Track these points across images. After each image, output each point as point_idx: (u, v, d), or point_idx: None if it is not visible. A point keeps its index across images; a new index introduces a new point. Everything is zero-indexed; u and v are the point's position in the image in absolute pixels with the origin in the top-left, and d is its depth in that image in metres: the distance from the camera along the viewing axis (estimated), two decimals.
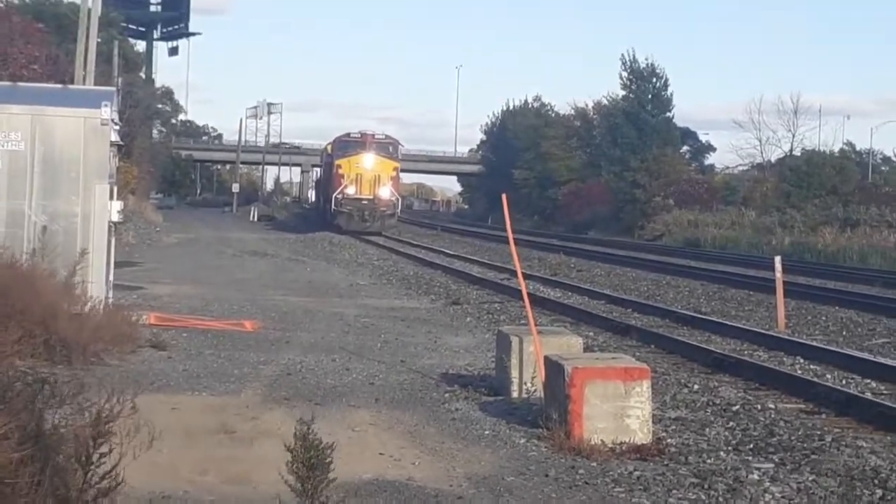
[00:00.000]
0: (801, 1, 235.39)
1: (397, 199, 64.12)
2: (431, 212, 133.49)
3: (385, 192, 61.33)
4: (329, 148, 68.94)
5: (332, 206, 61.50)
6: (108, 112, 17.92)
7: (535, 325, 13.94)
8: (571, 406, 11.21)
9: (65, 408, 8.14)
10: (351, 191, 60.79)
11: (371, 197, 60.82)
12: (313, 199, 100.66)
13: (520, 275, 15.61)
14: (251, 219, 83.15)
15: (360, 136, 63.37)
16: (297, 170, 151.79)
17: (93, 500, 5.76)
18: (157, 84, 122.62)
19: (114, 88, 23.83)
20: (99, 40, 39.76)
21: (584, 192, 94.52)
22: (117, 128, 19.24)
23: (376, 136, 63.63)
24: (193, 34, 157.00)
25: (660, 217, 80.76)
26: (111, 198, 18.28)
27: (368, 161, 61.23)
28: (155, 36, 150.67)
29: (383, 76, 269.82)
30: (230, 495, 8.20)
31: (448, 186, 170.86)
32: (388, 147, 63.41)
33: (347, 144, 63.09)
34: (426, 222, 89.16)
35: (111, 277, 19.14)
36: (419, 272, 35.94)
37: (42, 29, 56.58)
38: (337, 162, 62.06)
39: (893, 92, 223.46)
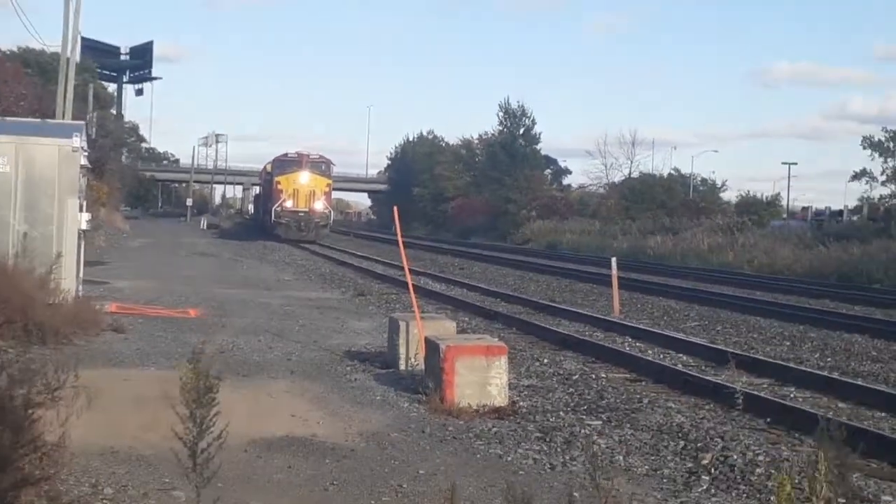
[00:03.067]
0: (637, 54, 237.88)
1: (330, 212, 60.65)
2: (347, 221, 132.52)
3: (319, 205, 57.95)
4: (269, 167, 64.97)
5: (272, 218, 57.89)
6: (77, 141, 17.69)
7: (420, 311, 14.00)
8: (444, 376, 11.26)
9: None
10: (289, 204, 57.46)
11: (307, 209, 57.47)
12: (252, 211, 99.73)
13: (407, 272, 15.66)
14: (202, 227, 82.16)
15: (297, 155, 59.90)
16: (240, 187, 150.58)
17: (44, 452, 5.68)
18: (126, 119, 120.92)
19: (83, 122, 23.44)
20: (76, 83, 39.10)
21: (469, 205, 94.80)
22: (86, 153, 19.00)
23: (311, 156, 59.93)
24: (155, 78, 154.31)
25: (527, 225, 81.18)
26: (81, 210, 18.05)
27: (304, 178, 57.88)
28: (124, 79, 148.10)
29: (311, 113, 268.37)
30: (165, 448, 8.11)
31: (360, 201, 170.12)
32: (321, 165, 59.77)
33: (285, 163, 59.48)
34: (342, 229, 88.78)
35: (81, 274, 18.90)
36: (334, 270, 35.81)
37: (29, 73, 55.74)
38: (276, 178, 58.74)
39: (709, 127, 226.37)
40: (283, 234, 56.54)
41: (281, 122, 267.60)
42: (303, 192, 57.94)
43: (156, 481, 7.68)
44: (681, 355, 16.54)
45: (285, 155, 60.81)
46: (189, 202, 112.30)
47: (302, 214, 57.39)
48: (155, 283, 26.06)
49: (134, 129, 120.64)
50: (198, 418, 4.44)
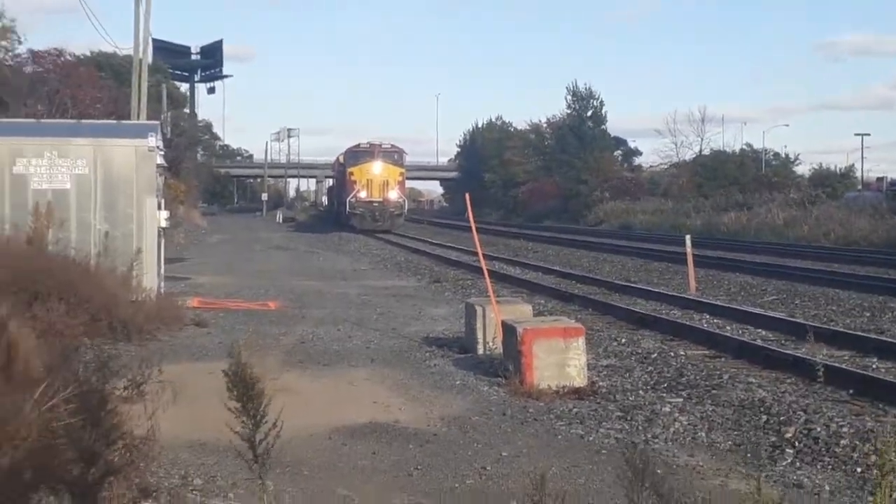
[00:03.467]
0: (707, 33, 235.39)
1: (404, 201, 59.25)
2: (419, 209, 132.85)
3: (393, 194, 57.13)
4: (341, 158, 64.04)
5: (347, 209, 57.25)
6: (153, 141, 17.92)
7: (495, 296, 14.00)
8: (523, 359, 11.25)
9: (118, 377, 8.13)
10: (363, 194, 56.78)
11: (381, 199, 56.76)
12: (326, 203, 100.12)
13: (481, 257, 15.66)
14: (277, 220, 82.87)
15: (368, 146, 58.78)
16: (313, 180, 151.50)
17: (133, 445, 5.75)
18: (199, 117, 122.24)
19: (158, 122, 23.76)
20: (149, 84, 39.61)
21: (539, 189, 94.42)
22: (162, 153, 19.23)
23: (383, 146, 58.81)
24: (227, 76, 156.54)
25: (599, 207, 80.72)
26: (159, 208, 18.29)
27: (377, 168, 57.13)
28: (196, 79, 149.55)
29: (380, 104, 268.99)
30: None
31: (432, 189, 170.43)
32: (393, 155, 58.68)
33: (358, 154, 58.60)
34: (415, 218, 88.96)
35: (163, 271, 19.15)
36: (409, 258, 35.90)
37: (103, 76, 56.50)
38: (349, 169, 57.88)
39: (778, 102, 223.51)
40: (358, 225, 56.06)
41: (351, 115, 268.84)
42: (376, 182, 57.30)
43: (244, 471, 7.72)
44: (759, 330, 16.35)
45: (357, 146, 59.93)
46: (264, 196, 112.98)
47: (376, 204, 56.80)
48: (234, 278, 26.32)
49: (207, 126, 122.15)
50: (250, 411, 4.45)
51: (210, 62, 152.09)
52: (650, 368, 12.79)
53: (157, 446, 6.63)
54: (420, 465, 8.13)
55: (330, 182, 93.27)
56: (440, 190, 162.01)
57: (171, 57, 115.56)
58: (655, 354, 13.86)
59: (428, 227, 69.87)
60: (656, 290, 22.44)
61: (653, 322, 17.14)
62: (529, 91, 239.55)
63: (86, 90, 45.67)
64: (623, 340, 15.30)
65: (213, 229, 59.95)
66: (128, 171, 17.68)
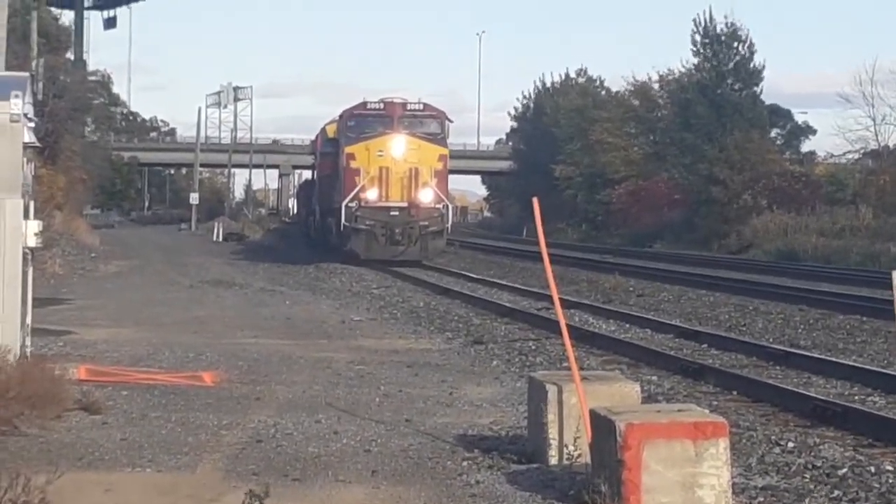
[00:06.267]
0: None
1: (446, 208, 54.81)
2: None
3: (427, 195, 52.84)
4: (331, 130, 60.23)
5: (342, 220, 52.73)
6: (19, 105, 17.92)
7: (579, 369, 13.92)
8: (626, 475, 11.17)
9: None
10: (372, 195, 52.45)
11: (405, 203, 52.51)
12: (296, 210, 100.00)
13: (557, 303, 15.52)
14: (215, 238, 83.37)
15: (382, 106, 54.55)
16: (275, 172, 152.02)
17: None
18: (90, 67, 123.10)
19: (27, 74, 23.84)
20: (11, 12, 39.88)
21: (647, 192, 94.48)
22: (32, 125, 19.26)
23: (409, 107, 54.74)
24: (134, 0, 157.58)
25: (746, 222, 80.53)
26: (26, 217, 18.29)
27: (399, 146, 52.72)
28: (86, 4, 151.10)
29: (383, 50, 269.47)
30: None
31: (470, 189, 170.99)
32: (429, 122, 54.69)
33: (364, 121, 54.35)
34: None
35: (28, 320, 19.12)
36: (431, 302, 35.89)
37: None
38: (348, 149, 53.46)
39: None
40: (363, 251, 52.60)
41: (336, 68, 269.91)
42: (397, 171, 53.07)
43: None
44: None
45: (363, 106, 55.75)
46: (194, 199, 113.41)
47: (396, 214, 52.88)
48: (146, 333, 26.35)
49: (104, 83, 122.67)
50: None
51: None
52: (836, 493, 12.68)
53: None
54: None
55: (305, 175, 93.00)
56: (481, 191, 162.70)
57: None
58: (845, 469, 13.74)
59: (463, 252, 69.99)
60: (843, 362, 22.29)
61: (839, 415, 17.00)
62: (629, 29, 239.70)
63: None
64: (790, 445, 15.19)
65: (111, 251, 60.29)
66: None
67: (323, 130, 65.02)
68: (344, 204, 52.61)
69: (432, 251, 53.68)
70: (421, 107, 55.03)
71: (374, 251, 52.17)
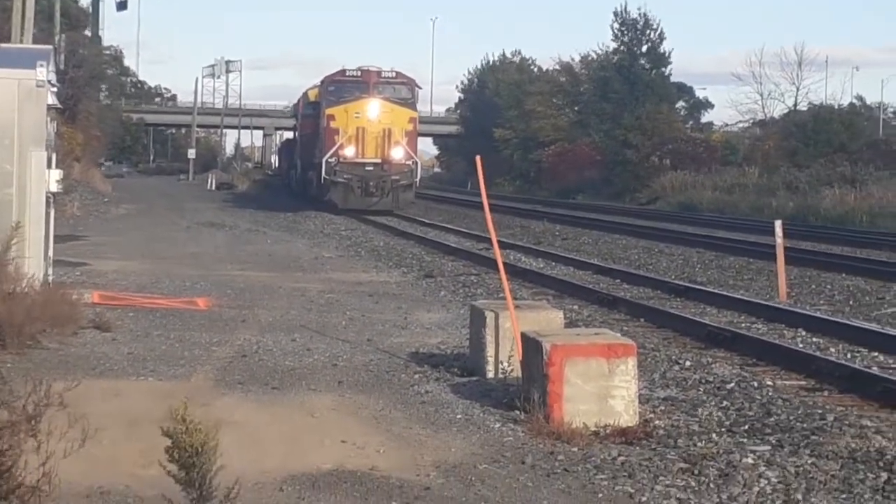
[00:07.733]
0: None
1: (416, 164, 53.69)
2: None
3: (399, 152, 51.63)
4: (313, 94, 59.17)
5: (322, 174, 51.71)
6: (44, 73, 17.76)
7: (513, 298, 13.91)
8: (550, 387, 11.17)
9: None
10: (350, 152, 51.29)
11: (379, 160, 51.42)
12: (277, 164, 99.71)
13: (495, 243, 15.53)
14: (209, 187, 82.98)
15: (359, 73, 53.05)
16: (259, 133, 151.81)
17: (19, 498, 5.68)
18: (105, 42, 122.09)
19: (50, 47, 23.65)
20: None
21: (572, 153, 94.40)
22: (55, 90, 19.13)
23: (384, 75, 53.19)
24: None
25: (654, 179, 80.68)
26: (49, 166, 18.16)
27: (374, 108, 51.58)
28: None
29: (353, 30, 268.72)
30: (175, 489, 8.14)
31: (423, 149, 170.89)
32: (400, 88, 53.47)
33: (343, 87, 53.09)
34: None
35: (51, 253, 19.04)
36: (390, 242, 35.90)
37: None
38: (328, 111, 52.42)
39: None
40: (340, 201, 51.69)
41: (312, 44, 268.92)
42: (372, 131, 51.90)
43: None
44: (875, 354, 16.27)
45: (342, 73, 54.68)
46: (191, 154, 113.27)
47: (371, 168, 51.83)
48: (149, 264, 26.29)
49: (116, 56, 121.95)
50: (195, 481, 4.41)
51: None
52: (725, 403, 12.71)
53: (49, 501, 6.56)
54: None
55: (287, 135, 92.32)
56: (433, 150, 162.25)
57: None
58: (732, 384, 13.79)
59: (417, 201, 69.81)
60: (733, 296, 22.39)
61: (729, 339, 17.05)
62: (560, 16, 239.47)
63: None
64: (688, 364, 15.23)
65: (121, 197, 59.95)
66: (6, 114, 17.54)
67: (305, 94, 64.50)
68: (324, 159, 51.81)
69: (403, 202, 52.88)
70: (394, 75, 54.16)
71: (350, 202, 51.41)
